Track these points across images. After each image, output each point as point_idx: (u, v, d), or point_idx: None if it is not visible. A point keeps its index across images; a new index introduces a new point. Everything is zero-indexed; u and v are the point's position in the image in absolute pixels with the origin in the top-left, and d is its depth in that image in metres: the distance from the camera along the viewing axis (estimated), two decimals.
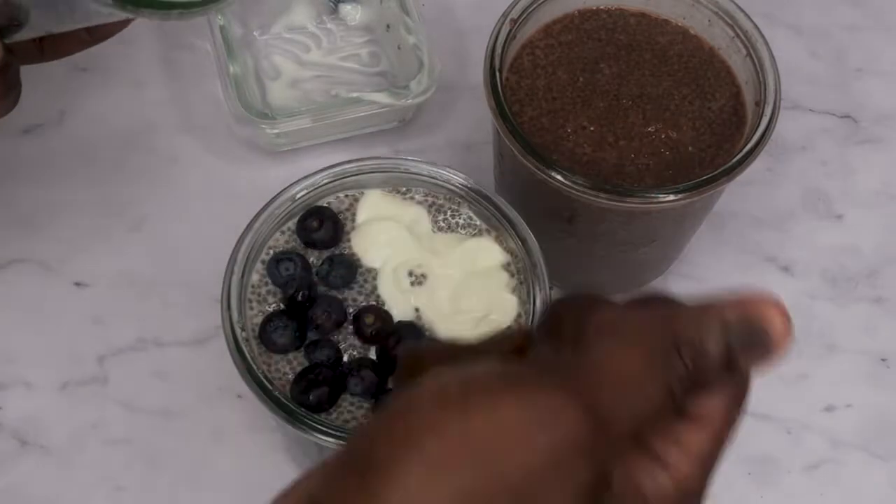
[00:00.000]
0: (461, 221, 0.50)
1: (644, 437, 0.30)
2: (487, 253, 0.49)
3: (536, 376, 0.28)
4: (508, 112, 0.53)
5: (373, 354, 0.47)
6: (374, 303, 0.48)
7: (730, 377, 0.30)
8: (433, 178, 0.51)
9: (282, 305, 0.48)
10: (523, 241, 0.49)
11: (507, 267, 0.49)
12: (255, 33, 0.68)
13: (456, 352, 0.31)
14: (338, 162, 0.51)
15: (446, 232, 0.50)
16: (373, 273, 0.49)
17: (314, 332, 0.47)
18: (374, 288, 0.48)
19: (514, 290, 0.49)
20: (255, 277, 0.48)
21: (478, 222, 0.50)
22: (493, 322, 0.48)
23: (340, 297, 0.48)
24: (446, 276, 0.48)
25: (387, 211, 0.50)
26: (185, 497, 0.56)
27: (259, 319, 0.47)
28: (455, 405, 0.27)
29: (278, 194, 0.50)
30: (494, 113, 0.53)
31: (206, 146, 0.66)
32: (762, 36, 0.55)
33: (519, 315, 0.48)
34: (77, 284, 0.62)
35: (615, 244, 0.56)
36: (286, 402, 0.45)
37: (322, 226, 0.49)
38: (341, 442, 0.44)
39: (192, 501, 0.56)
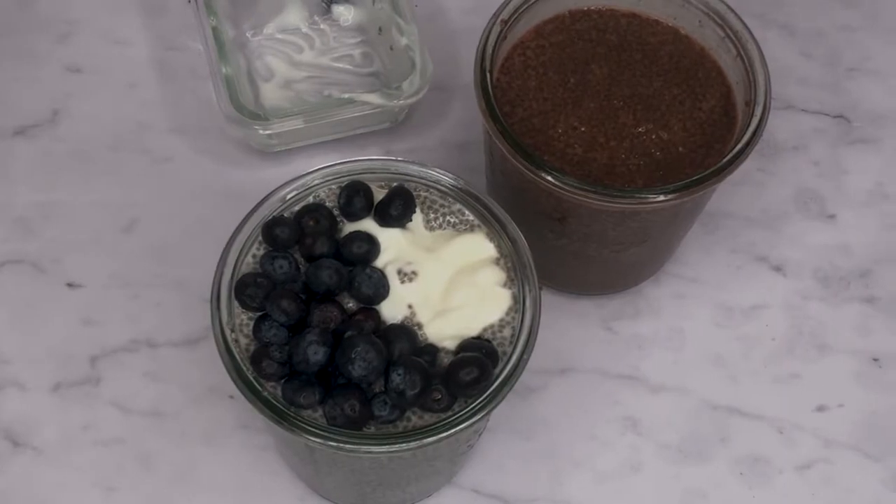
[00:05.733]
0: (452, 220, 0.50)
1: None
2: (479, 248, 0.49)
3: None
4: (499, 113, 0.53)
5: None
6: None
7: None
8: (424, 178, 0.51)
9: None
10: (513, 242, 0.49)
11: (498, 262, 0.49)
12: (247, 34, 0.68)
13: None
14: (329, 163, 0.51)
15: (438, 229, 0.50)
16: None
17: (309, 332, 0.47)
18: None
19: (505, 285, 0.49)
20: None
21: (470, 218, 0.50)
22: (486, 317, 0.48)
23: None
24: (437, 273, 0.48)
25: None
26: (177, 498, 0.56)
27: (247, 320, 0.47)
28: None
29: (269, 195, 0.50)
30: (485, 114, 0.53)
31: (198, 147, 0.66)
32: (752, 36, 0.56)
33: (511, 309, 0.48)
34: (69, 285, 0.62)
35: (607, 244, 0.57)
36: (276, 403, 0.45)
37: (318, 223, 0.49)
38: (330, 443, 0.44)
39: (184, 502, 0.56)
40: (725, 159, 0.52)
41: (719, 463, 0.59)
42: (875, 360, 0.62)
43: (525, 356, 0.46)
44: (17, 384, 0.59)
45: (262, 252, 0.49)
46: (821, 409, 0.60)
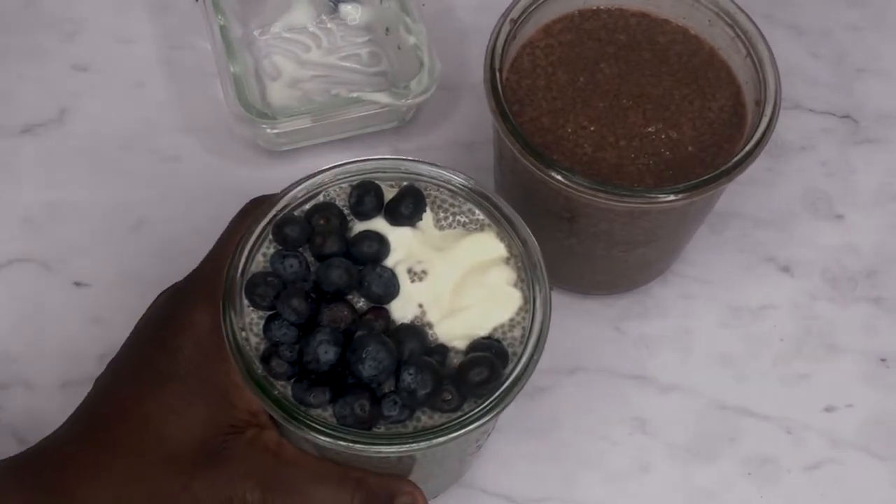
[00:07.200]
0: (463, 219, 0.50)
1: None
2: (489, 247, 0.49)
3: None
4: (508, 112, 0.53)
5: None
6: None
7: None
8: (433, 178, 0.50)
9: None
10: (523, 242, 0.49)
11: (508, 262, 0.49)
12: (255, 33, 0.68)
13: None
14: (338, 162, 0.51)
15: (448, 228, 0.50)
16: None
17: (320, 331, 0.46)
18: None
19: (516, 285, 0.48)
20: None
21: (480, 217, 0.50)
22: (496, 316, 0.48)
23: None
24: (448, 272, 0.48)
25: None
26: None
27: (258, 319, 0.47)
28: None
29: (279, 193, 0.50)
30: (495, 113, 0.53)
31: (206, 146, 0.66)
32: (762, 36, 0.55)
33: (521, 309, 0.48)
34: (77, 284, 0.62)
35: (615, 244, 0.57)
36: (286, 402, 0.45)
37: (329, 222, 0.49)
38: (340, 442, 0.44)
39: None
40: (735, 159, 0.52)
41: (728, 463, 0.59)
42: (883, 360, 0.62)
43: (536, 356, 0.46)
44: (24, 383, 0.59)
45: (272, 251, 0.49)
46: (829, 409, 0.60)
